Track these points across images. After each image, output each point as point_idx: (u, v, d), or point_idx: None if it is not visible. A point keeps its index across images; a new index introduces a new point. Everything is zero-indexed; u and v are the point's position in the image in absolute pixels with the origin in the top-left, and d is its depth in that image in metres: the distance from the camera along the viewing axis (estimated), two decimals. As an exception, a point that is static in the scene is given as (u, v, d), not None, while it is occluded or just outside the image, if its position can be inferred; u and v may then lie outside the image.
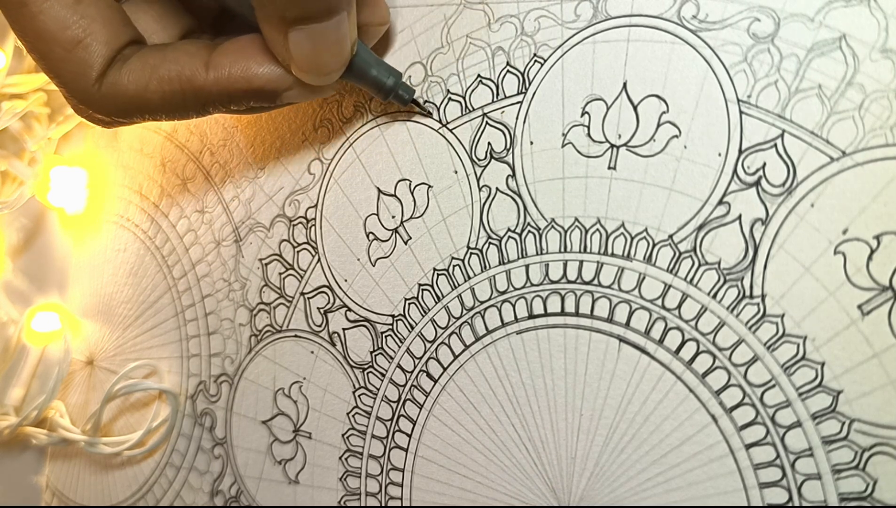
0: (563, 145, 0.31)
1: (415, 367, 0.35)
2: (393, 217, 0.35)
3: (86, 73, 0.29)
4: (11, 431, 0.45)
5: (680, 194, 0.29)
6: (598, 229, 0.31)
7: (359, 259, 0.36)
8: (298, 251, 0.38)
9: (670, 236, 0.29)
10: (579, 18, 0.31)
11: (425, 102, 0.34)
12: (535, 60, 0.32)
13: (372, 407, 0.36)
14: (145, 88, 0.30)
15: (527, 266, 0.32)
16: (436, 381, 0.34)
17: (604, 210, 0.31)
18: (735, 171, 0.28)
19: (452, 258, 0.34)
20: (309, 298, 0.38)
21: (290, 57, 0.29)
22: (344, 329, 0.37)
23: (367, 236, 0.36)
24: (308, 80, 0.30)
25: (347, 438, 0.37)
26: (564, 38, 0.31)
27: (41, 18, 0.28)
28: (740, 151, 0.28)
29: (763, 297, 0.28)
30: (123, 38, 0.30)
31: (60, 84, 0.30)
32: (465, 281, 0.34)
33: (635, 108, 0.30)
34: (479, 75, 0.33)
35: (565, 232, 0.31)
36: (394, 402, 0.36)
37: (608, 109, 0.30)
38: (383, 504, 0.36)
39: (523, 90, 0.32)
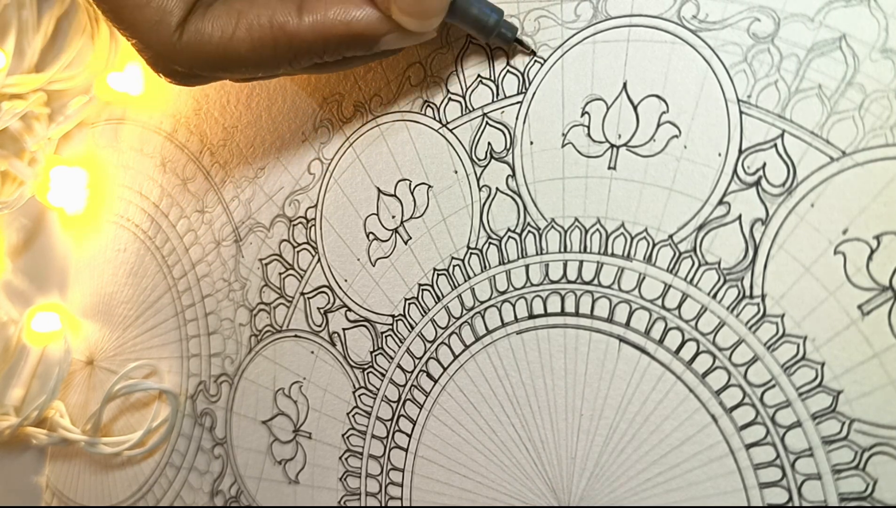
0: (563, 145, 0.31)
1: (415, 367, 0.35)
2: (393, 217, 0.35)
3: (165, 20, 0.27)
4: (12, 431, 0.45)
5: (680, 194, 0.29)
6: (598, 229, 0.31)
7: (359, 259, 0.36)
8: (298, 251, 0.38)
9: (670, 236, 0.29)
10: (579, 18, 0.31)
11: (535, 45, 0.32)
12: (535, 60, 0.32)
13: (372, 407, 0.36)
14: (231, 36, 0.27)
15: (527, 266, 0.32)
16: (436, 381, 0.34)
17: (604, 210, 0.31)
18: (735, 171, 0.28)
19: (452, 258, 0.34)
20: (309, 298, 0.38)
21: (391, 1, 0.27)
22: (344, 329, 0.37)
23: (367, 236, 0.36)
24: (410, 25, 0.28)
25: (347, 438, 0.37)
26: (564, 38, 0.31)
27: None
28: (740, 151, 0.28)
29: (763, 297, 0.28)
30: None
31: (135, 35, 0.27)
32: (465, 281, 0.34)
33: (635, 108, 0.30)
34: (479, 75, 0.33)
35: (565, 232, 0.31)
36: (394, 402, 0.36)
37: (608, 109, 0.30)
38: (383, 504, 0.36)
39: (523, 90, 0.32)
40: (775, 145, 0.28)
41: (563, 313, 0.31)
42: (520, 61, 0.32)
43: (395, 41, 0.29)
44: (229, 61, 0.28)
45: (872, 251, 0.26)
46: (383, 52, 0.30)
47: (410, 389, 0.35)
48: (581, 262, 0.31)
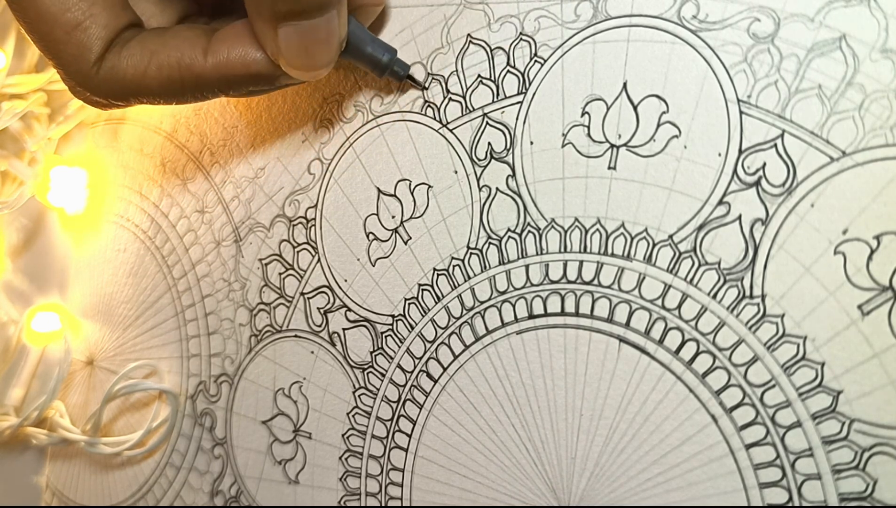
0: (563, 145, 0.31)
1: (415, 367, 0.35)
2: (393, 217, 0.35)
3: (84, 55, 0.29)
4: (12, 431, 0.45)
5: (680, 193, 0.29)
6: (598, 229, 0.31)
7: (359, 259, 0.36)
8: (298, 251, 0.38)
9: (670, 236, 0.29)
10: (579, 18, 0.31)
11: (426, 78, 0.34)
12: (535, 60, 0.32)
13: (372, 407, 0.36)
14: (144, 73, 0.30)
15: (527, 266, 0.32)
16: (436, 381, 0.34)
17: (604, 210, 0.31)
18: (735, 171, 0.28)
19: (452, 258, 0.34)
20: (309, 298, 0.38)
21: (279, 53, 0.29)
22: (344, 329, 0.37)
23: (367, 236, 0.36)
24: (297, 75, 0.30)
25: (347, 438, 0.37)
26: (564, 38, 0.31)
27: (42, 0, 0.29)
28: (740, 151, 0.28)
29: (763, 297, 0.28)
30: (123, 21, 0.30)
31: (59, 66, 0.30)
32: (465, 281, 0.34)
33: (635, 108, 0.30)
34: (479, 75, 0.33)
35: (565, 232, 0.31)
36: (394, 402, 0.36)
37: (608, 109, 0.30)
38: (383, 504, 0.36)
39: (523, 90, 0.32)
40: (775, 145, 0.28)
41: (563, 313, 0.31)
42: (520, 61, 0.32)
43: (292, 79, 0.31)
44: (141, 93, 0.31)
45: (872, 251, 0.26)
46: (287, 85, 0.32)
47: (410, 389, 0.35)
48: (581, 262, 0.31)
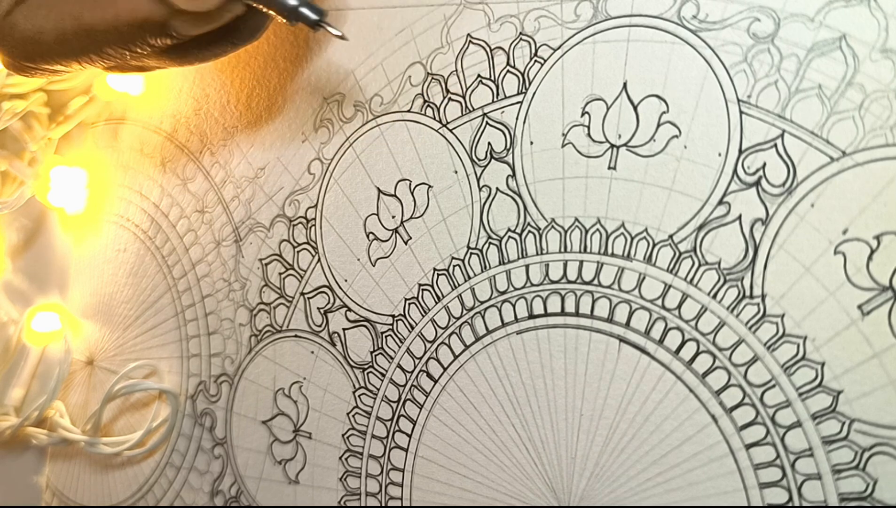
0: (563, 145, 0.31)
1: (415, 367, 0.35)
2: (393, 217, 0.35)
3: None
4: (12, 431, 0.45)
5: (680, 193, 0.29)
6: (598, 229, 0.31)
7: (359, 259, 0.36)
8: (298, 251, 0.38)
9: (670, 236, 0.29)
10: (579, 18, 0.31)
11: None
12: (535, 60, 0.32)
13: (372, 407, 0.36)
14: (40, 28, 0.30)
15: (527, 266, 0.32)
16: (436, 381, 0.34)
17: (604, 210, 0.31)
18: (735, 171, 0.28)
19: (452, 258, 0.34)
20: (309, 298, 0.38)
21: None
22: (344, 329, 0.37)
23: (367, 236, 0.36)
24: (185, 5, 0.29)
25: (347, 438, 0.37)
26: (564, 38, 0.31)
27: None
28: (740, 151, 0.28)
29: (763, 297, 0.28)
30: None
31: None
32: (466, 281, 0.34)
33: (635, 108, 0.30)
34: (479, 75, 0.33)
35: (565, 232, 0.31)
36: (394, 402, 0.36)
37: (608, 109, 0.30)
38: (383, 504, 0.36)
39: (523, 90, 0.32)
40: (775, 145, 0.28)
41: (563, 313, 0.31)
42: (520, 61, 0.32)
43: (185, 26, 0.30)
44: (41, 52, 0.31)
45: (872, 251, 0.26)
46: (246, 36, 0.31)
47: (410, 389, 0.35)
48: (581, 262, 0.31)
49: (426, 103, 0.34)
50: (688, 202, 0.29)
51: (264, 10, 0.29)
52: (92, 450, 0.44)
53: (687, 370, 0.29)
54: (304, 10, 0.28)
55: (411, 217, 0.35)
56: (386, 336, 0.36)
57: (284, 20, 0.29)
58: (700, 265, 0.29)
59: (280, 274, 0.39)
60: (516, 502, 0.32)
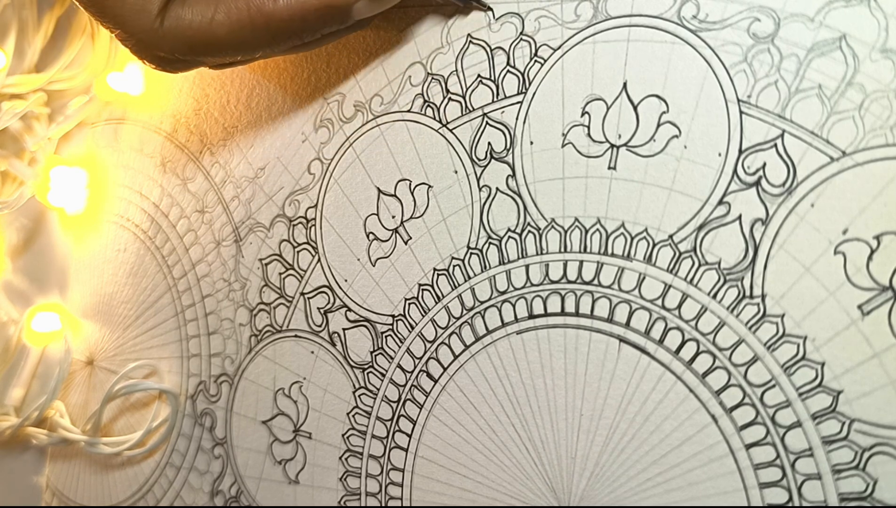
0: (563, 145, 0.31)
1: (415, 367, 0.35)
2: (393, 217, 0.36)
3: (146, 8, 0.28)
4: (12, 431, 0.45)
5: (680, 194, 0.29)
6: (598, 229, 0.31)
7: (359, 259, 0.36)
8: (298, 251, 0.38)
9: (670, 236, 0.29)
10: (579, 18, 0.31)
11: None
12: (536, 60, 0.32)
13: (372, 407, 0.36)
14: (211, 20, 0.28)
15: (527, 266, 0.32)
16: (436, 381, 0.34)
17: (604, 210, 0.31)
18: (735, 171, 0.28)
19: (452, 258, 0.34)
20: (309, 298, 0.38)
21: None
22: (344, 329, 0.37)
23: (367, 236, 0.36)
24: None
25: (347, 438, 0.37)
26: (564, 38, 0.31)
27: None
28: (740, 151, 0.28)
29: (763, 297, 0.28)
30: None
31: (118, 25, 0.29)
32: (466, 281, 0.34)
33: (635, 108, 0.30)
34: (479, 75, 0.33)
35: (565, 232, 0.31)
36: (394, 402, 0.36)
37: (608, 109, 0.30)
38: (383, 504, 0.36)
39: (523, 90, 0.32)
40: (775, 145, 0.28)
41: (563, 313, 0.31)
42: (520, 61, 0.32)
43: (366, 8, 0.29)
44: (209, 45, 0.29)
45: (872, 251, 0.26)
46: (356, 24, 0.31)
47: (410, 389, 0.35)
48: (581, 262, 0.31)
49: (426, 103, 0.34)
50: (688, 202, 0.29)
51: None
52: (92, 450, 0.44)
53: (687, 370, 0.29)
54: None
55: (411, 217, 0.35)
56: (386, 336, 0.36)
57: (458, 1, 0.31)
58: (700, 265, 0.29)
59: (280, 274, 0.39)
60: (516, 502, 0.32)
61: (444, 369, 0.34)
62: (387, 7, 0.30)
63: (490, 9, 0.32)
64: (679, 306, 0.29)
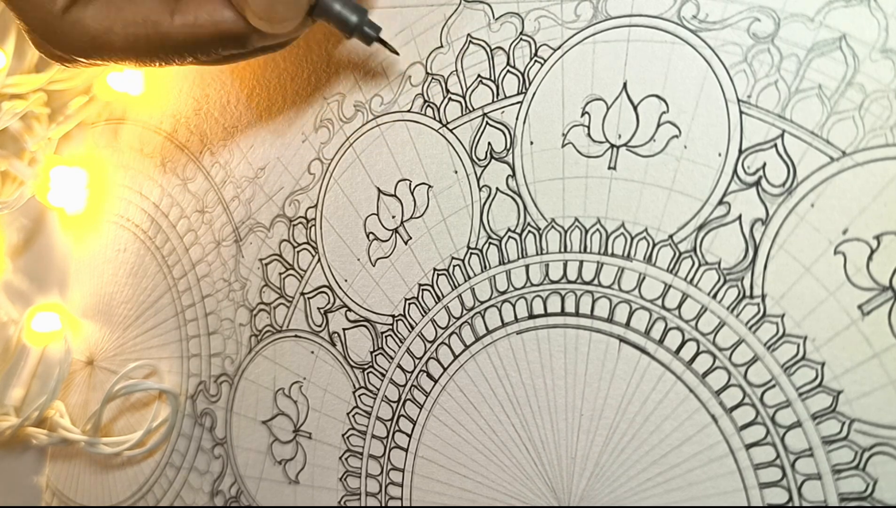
0: (563, 145, 0.31)
1: (415, 367, 0.35)
2: (393, 217, 0.35)
3: (48, 6, 0.29)
4: (12, 431, 0.45)
5: (680, 193, 0.29)
6: (598, 229, 0.31)
7: (359, 259, 0.36)
8: (298, 251, 0.38)
9: (670, 236, 0.29)
10: (579, 18, 0.31)
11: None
12: (536, 60, 0.32)
13: (372, 407, 0.36)
14: (109, 28, 0.29)
15: (527, 266, 0.32)
16: (436, 381, 0.34)
17: (604, 210, 0.31)
18: (735, 171, 0.28)
19: (452, 258, 0.34)
20: (309, 298, 0.38)
21: (245, 4, 0.28)
22: (344, 329, 0.37)
23: (367, 236, 0.36)
24: (264, 28, 0.29)
25: (347, 438, 0.37)
26: (564, 38, 0.31)
27: None
28: (740, 151, 0.28)
29: (763, 297, 0.28)
30: None
31: (21, 17, 0.30)
32: (466, 281, 0.34)
33: (635, 108, 0.30)
34: (479, 75, 0.33)
35: (565, 232, 0.31)
36: (394, 402, 0.36)
37: (608, 109, 0.30)
38: (383, 504, 0.36)
39: (523, 90, 0.32)
40: (775, 145, 0.28)
41: (563, 313, 0.31)
42: (520, 61, 0.32)
43: (263, 39, 0.30)
44: (104, 51, 0.30)
45: (872, 251, 0.26)
46: (264, 49, 0.31)
47: (410, 389, 0.35)
48: (581, 262, 0.31)
49: (426, 103, 0.34)
50: (688, 202, 0.29)
51: (333, 26, 0.31)
52: (92, 450, 0.44)
53: (687, 370, 0.29)
54: (365, 29, 0.31)
55: (411, 217, 0.35)
56: (386, 336, 0.36)
57: (346, 35, 0.31)
58: (700, 265, 0.29)
59: (280, 274, 0.39)
60: (516, 502, 0.32)
61: (444, 369, 0.34)
62: (290, 39, 0.31)
63: (396, 52, 0.33)
64: (679, 307, 0.29)
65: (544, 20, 0.32)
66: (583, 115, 0.31)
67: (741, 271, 0.28)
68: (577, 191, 0.31)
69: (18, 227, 0.48)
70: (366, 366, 0.36)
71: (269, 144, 0.39)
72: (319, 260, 0.38)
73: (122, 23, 0.29)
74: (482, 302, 0.33)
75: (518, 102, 0.32)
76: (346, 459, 0.37)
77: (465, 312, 0.34)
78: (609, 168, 0.30)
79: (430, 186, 0.34)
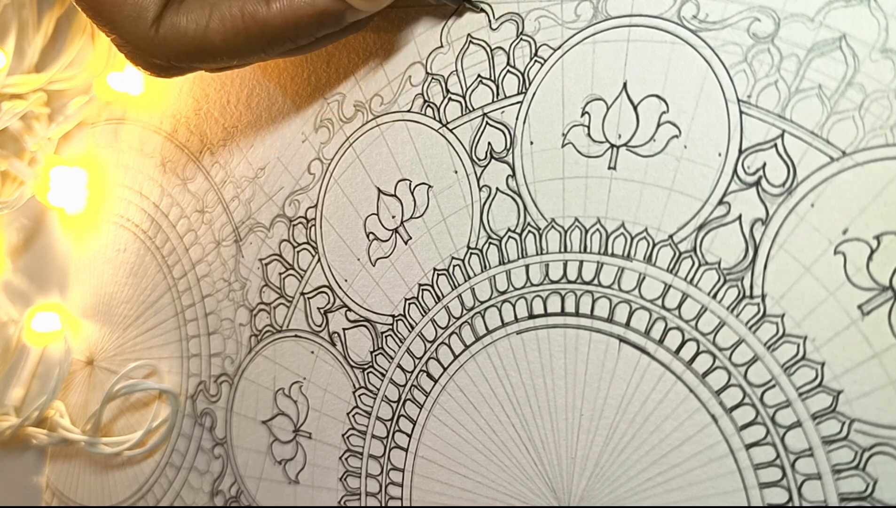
0: (563, 145, 0.31)
1: (415, 367, 0.35)
2: (393, 217, 0.36)
3: (142, 15, 0.28)
4: (12, 431, 0.45)
5: (680, 193, 0.29)
6: (598, 229, 0.31)
7: (359, 259, 0.36)
8: (298, 251, 0.38)
9: (670, 236, 0.29)
10: (579, 18, 0.31)
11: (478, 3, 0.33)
12: (536, 60, 0.32)
13: (372, 407, 0.36)
14: (206, 28, 0.29)
15: (527, 266, 0.32)
16: (436, 381, 0.34)
17: (604, 210, 0.31)
18: (735, 171, 0.28)
19: (452, 258, 0.34)
20: (309, 298, 0.38)
21: None
22: (344, 329, 0.37)
23: (367, 236, 0.36)
24: (361, 5, 0.29)
25: (347, 438, 0.37)
26: (564, 38, 0.31)
27: None
28: (740, 151, 0.28)
29: (763, 297, 0.28)
30: None
31: (114, 31, 0.29)
32: (466, 281, 0.34)
33: (635, 108, 0.30)
34: (479, 75, 0.33)
35: (565, 232, 0.31)
36: (394, 402, 0.36)
37: (608, 109, 0.30)
38: (383, 504, 0.36)
39: (523, 90, 0.32)
40: (775, 145, 0.28)
41: (563, 313, 0.31)
42: (520, 61, 0.32)
43: (355, 14, 0.30)
44: (205, 52, 0.29)
45: (872, 251, 0.26)
46: (351, 27, 0.31)
47: (410, 389, 0.35)
48: (581, 262, 0.31)
49: (426, 103, 0.34)
50: (688, 202, 0.29)
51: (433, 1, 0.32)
52: (92, 450, 0.44)
53: (687, 370, 0.29)
54: None
55: (411, 217, 0.35)
56: (386, 336, 0.36)
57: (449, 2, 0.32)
58: (700, 265, 0.29)
59: (280, 274, 0.39)
60: (516, 502, 0.32)
61: (444, 369, 0.34)
62: (381, 7, 0.31)
63: (483, 10, 0.32)
64: (679, 306, 0.29)
65: (544, 20, 0.32)
66: (583, 115, 0.31)
67: (741, 271, 0.28)
68: (577, 191, 0.31)
69: (18, 227, 0.48)
70: (366, 366, 0.36)
71: (269, 144, 0.39)
72: (319, 260, 0.38)
73: (219, 17, 0.29)
74: (482, 302, 0.33)
75: (518, 102, 0.32)
76: (346, 459, 0.37)
77: (465, 312, 0.34)
78: (609, 168, 0.30)
79: (430, 186, 0.34)
